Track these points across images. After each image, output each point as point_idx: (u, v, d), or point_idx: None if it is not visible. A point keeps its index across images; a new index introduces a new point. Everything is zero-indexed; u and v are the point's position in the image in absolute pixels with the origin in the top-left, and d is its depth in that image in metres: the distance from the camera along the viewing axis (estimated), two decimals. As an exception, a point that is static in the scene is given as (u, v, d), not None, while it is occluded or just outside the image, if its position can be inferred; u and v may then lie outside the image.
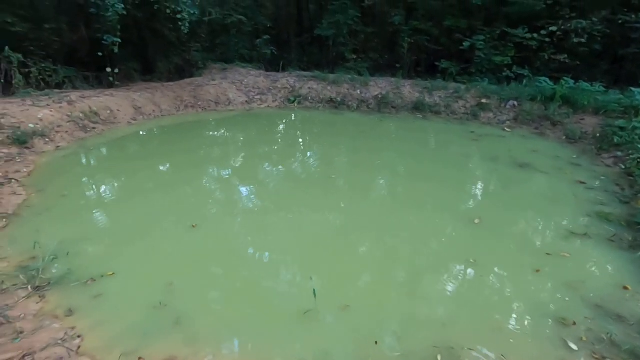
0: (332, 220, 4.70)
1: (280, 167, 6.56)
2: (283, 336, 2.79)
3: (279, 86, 11.26)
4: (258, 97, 10.99)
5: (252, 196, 5.33)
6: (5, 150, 6.06)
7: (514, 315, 3.02)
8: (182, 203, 5.00)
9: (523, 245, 4.06)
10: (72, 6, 10.74)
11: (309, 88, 11.08)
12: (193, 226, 4.26)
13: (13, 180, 5.22)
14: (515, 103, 9.23)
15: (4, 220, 4.18)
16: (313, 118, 9.95)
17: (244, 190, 5.54)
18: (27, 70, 9.12)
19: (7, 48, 8.54)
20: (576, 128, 7.78)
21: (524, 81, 10.04)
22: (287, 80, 11.42)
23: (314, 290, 3.04)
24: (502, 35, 11.10)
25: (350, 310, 3.03)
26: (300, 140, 8.48)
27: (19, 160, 5.93)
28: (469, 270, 3.62)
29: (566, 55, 10.31)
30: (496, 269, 3.62)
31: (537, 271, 3.55)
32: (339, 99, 10.71)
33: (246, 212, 4.85)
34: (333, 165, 6.74)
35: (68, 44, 11.03)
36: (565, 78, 8.97)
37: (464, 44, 11.35)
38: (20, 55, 8.75)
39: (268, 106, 10.75)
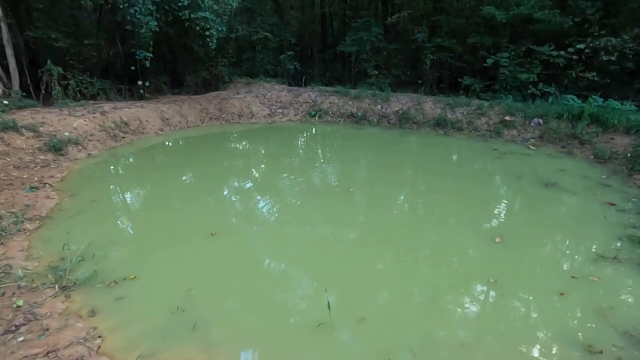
0: (350, 234, 4.69)
1: (299, 179, 6.63)
2: (296, 348, 2.79)
3: (301, 100, 11.48)
4: (280, 110, 11.24)
5: (271, 207, 5.40)
6: (42, 157, 6.44)
7: (536, 339, 2.89)
8: (203, 211, 5.13)
9: (547, 267, 3.91)
10: (110, 23, 11.46)
11: (330, 103, 11.24)
12: (212, 234, 4.36)
13: (47, 185, 5.53)
14: (541, 121, 9.01)
15: (38, 222, 4.42)
16: (333, 132, 10.05)
17: (263, 201, 5.63)
18: (65, 82, 9.72)
19: (49, 62, 9.16)
20: (606, 147, 7.50)
21: (550, 99, 9.81)
22: (309, 94, 11.63)
23: (328, 302, 3.03)
24: (527, 53, 10.96)
25: (365, 325, 3.00)
26: (320, 153, 8.56)
27: (53, 166, 6.28)
28: (489, 290, 3.51)
29: (595, 73, 10.03)
30: (518, 290, 3.49)
31: (562, 294, 3.41)
32: (359, 114, 10.80)
33: (264, 222, 4.91)
34: (352, 179, 6.76)
35: (104, 58, 11.74)
36: (594, 96, 8.71)
37: (487, 60, 11.26)
38: (60, 69, 9.35)
39: (289, 120, 10.96)
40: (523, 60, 10.97)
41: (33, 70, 9.63)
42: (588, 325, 3.05)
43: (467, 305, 3.32)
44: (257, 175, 6.86)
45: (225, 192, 6.05)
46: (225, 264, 3.89)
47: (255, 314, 3.13)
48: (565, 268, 3.92)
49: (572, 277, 3.69)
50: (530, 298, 3.40)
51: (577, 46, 10.08)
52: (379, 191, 6.14)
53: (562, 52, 10.26)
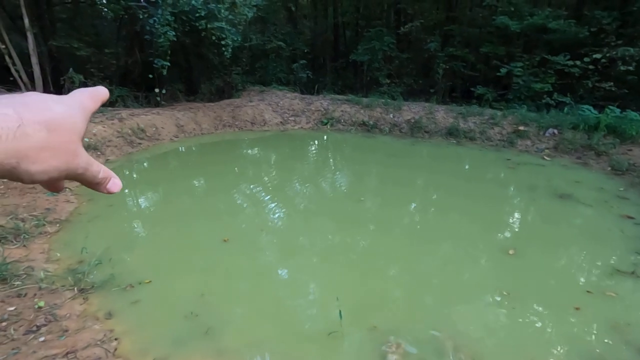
0: (361, 243, 4.70)
1: (310, 187, 6.69)
2: (307, 356, 2.81)
3: (313, 108, 11.59)
4: (292, 118, 11.36)
5: (282, 214, 5.46)
6: (63, 161, 6.64)
7: (550, 355, 2.85)
8: (215, 217, 5.22)
9: (561, 281, 3.86)
10: (129, 33, 11.82)
11: (342, 111, 11.31)
12: (225, 240, 4.43)
13: (67, 189, 5.69)
14: (555, 131, 8.90)
15: (58, 225, 4.56)
16: (345, 140, 10.11)
17: (274, 208, 5.69)
18: (86, 89, 10.04)
19: (71, 70, 9.49)
20: (623, 159, 7.36)
21: (565, 109, 9.70)
22: (321, 102, 11.73)
23: (340, 311, 3.05)
24: (542, 62, 10.88)
25: (376, 334, 3.00)
26: (332, 161, 8.62)
27: (73, 171, 6.47)
28: (502, 303, 3.47)
29: (612, 83, 9.89)
30: (531, 304, 3.45)
31: (577, 309, 3.35)
32: (371, 122, 10.84)
33: (275, 229, 4.97)
34: (363, 187, 6.78)
35: (123, 67, 12.09)
36: (611, 106, 8.58)
37: (501, 70, 11.21)
38: (81, 76, 9.68)
39: (301, 127, 11.07)
40: (537, 69, 10.89)
41: (55, 78, 10.00)
42: (604, 341, 2.99)
43: (478, 318, 3.29)
44: (268, 182, 6.94)
45: (237, 199, 6.14)
46: (237, 270, 3.94)
47: (266, 321, 3.17)
48: (580, 282, 3.86)
49: (588, 291, 3.62)
50: (544, 312, 3.36)
51: (593, 56, 9.97)
52: (390, 200, 6.14)
53: (578, 62, 10.16)
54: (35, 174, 0.37)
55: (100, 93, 0.48)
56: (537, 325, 3.21)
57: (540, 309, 3.40)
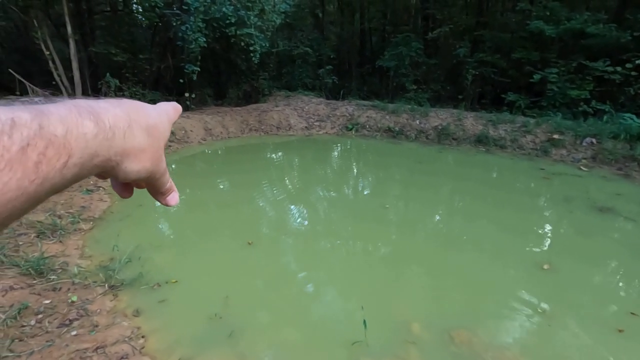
0: (385, 252, 4.61)
1: (333, 192, 6.65)
2: (330, 365, 2.75)
3: (338, 114, 11.59)
4: (317, 123, 11.39)
5: (305, 219, 5.45)
6: (98, 162, 6.93)
7: (591, 379, 2.66)
8: (239, 220, 5.27)
9: (601, 300, 3.61)
10: (162, 39, 12.29)
11: (367, 117, 11.24)
12: (249, 243, 4.45)
13: (101, 188, 5.93)
14: (594, 140, 8.45)
15: (91, 222, 4.74)
16: (370, 146, 10.02)
17: (297, 212, 5.69)
18: (121, 93, 10.50)
19: (108, 74, 9.95)
20: (670, 171, 6.88)
21: (605, 117, 9.20)
22: (346, 108, 11.72)
23: (364, 321, 2.97)
24: (579, 68, 10.39)
25: (401, 345, 2.90)
26: (355, 167, 8.55)
27: (107, 171, 6.74)
28: (536, 320, 3.28)
29: (657, 91, 9.31)
30: (567, 322, 3.25)
31: (621, 331, 3.12)
32: (397, 129, 10.70)
33: (299, 234, 4.95)
34: (387, 194, 6.67)
35: (156, 72, 12.56)
36: (656, 115, 8.07)
37: (534, 76, 10.80)
38: (117, 81, 10.13)
39: (326, 132, 11.07)
40: (574, 76, 10.41)
41: (93, 82, 10.51)
42: (652, 368, 2.76)
43: (512, 334, 3.12)
44: (293, 187, 6.96)
45: (261, 202, 6.18)
46: (260, 273, 3.95)
47: (288, 327, 3.13)
48: (623, 302, 3.59)
49: (632, 313, 3.37)
50: (584, 332, 3.14)
51: (637, 62, 9.43)
52: (416, 208, 6.01)
53: (619, 68, 9.63)
54: (131, 172, 0.39)
55: (179, 107, 0.52)
56: (575, 345, 3.01)
57: (579, 328, 3.19)
